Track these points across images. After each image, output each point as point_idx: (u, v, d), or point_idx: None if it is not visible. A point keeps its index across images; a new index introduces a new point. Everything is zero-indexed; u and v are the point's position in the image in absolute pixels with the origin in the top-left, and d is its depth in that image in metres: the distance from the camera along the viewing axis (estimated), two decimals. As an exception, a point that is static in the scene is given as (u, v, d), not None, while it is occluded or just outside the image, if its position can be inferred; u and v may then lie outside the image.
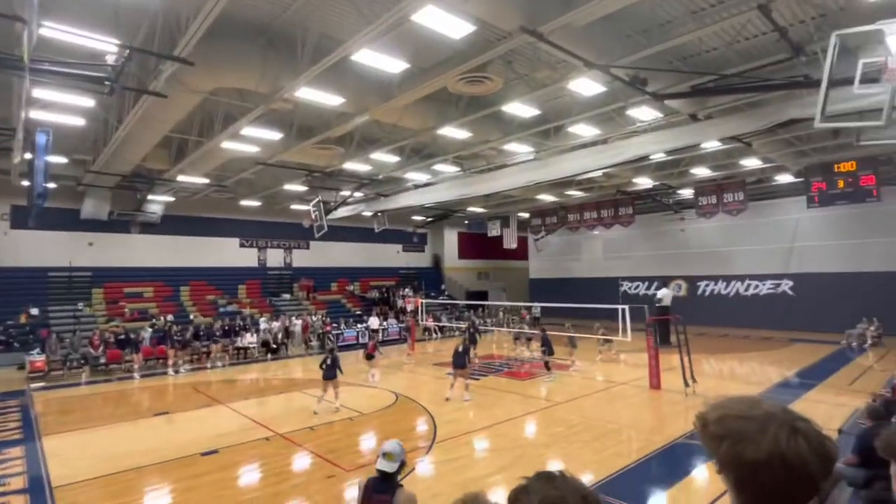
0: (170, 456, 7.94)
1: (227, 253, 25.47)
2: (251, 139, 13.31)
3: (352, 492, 6.66)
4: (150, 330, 17.47)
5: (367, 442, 8.89)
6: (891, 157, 16.53)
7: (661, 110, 12.12)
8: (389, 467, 3.54)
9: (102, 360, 15.87)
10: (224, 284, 24.35)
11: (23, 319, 18.19)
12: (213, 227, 24.78)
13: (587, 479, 6.82)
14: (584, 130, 13.54)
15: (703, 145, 14.18)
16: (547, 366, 13.33)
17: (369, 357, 14.13)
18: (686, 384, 11.24)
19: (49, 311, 19.02)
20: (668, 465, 7.39)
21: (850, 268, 20.99)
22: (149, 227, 22.53)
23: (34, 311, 18.61)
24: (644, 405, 10.91)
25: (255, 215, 25.62)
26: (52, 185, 15.90)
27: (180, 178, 17.18)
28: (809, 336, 19.93)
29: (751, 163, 17.57)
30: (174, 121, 11.79)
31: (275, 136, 13.25)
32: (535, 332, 17.54)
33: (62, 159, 15.56)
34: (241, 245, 26.15)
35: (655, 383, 11.90)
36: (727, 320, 23.85)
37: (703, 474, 6.80)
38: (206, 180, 18.41)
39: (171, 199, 21.33)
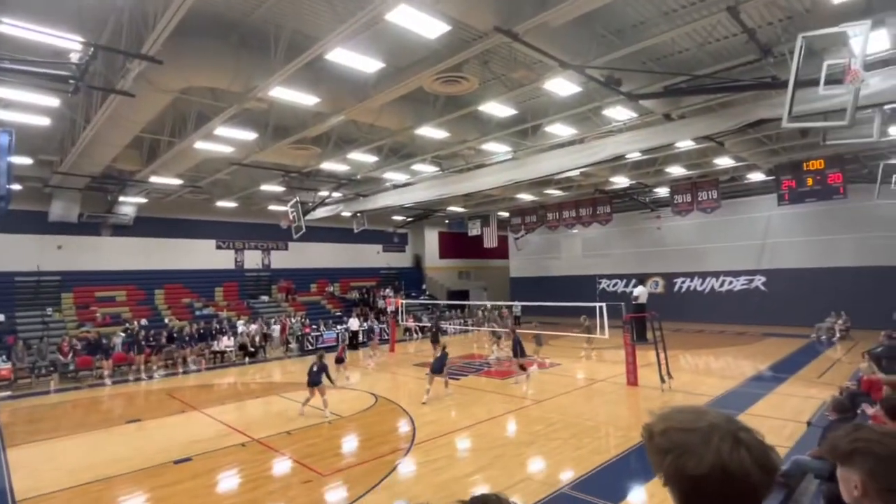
0: (141, 465, 7.74)
1: (203, 255, 24.95)
2: (225, 139, 13.06)
3: (329, 497, 6.60)
4: (122, 335, 17.03)
5: (346, 445, 8.81)
6: (857, 155, 17.05)
7: (635, 110, 12.27)
8: None
9: (72, 367, 15.41)
10: (200, 287, 23.85)
11: (-12, 326, 17.55)
12: (188, 229, 24.25)
13: (566, 476, 6.88)
14: (561, 130, 13.63)
15: (677, 144, 14.40)
16: (522, 367, 13.11)
17: (339, 360, 14.01)
18: (662, 380, 11.42)
19: (16, 317, 18.38)
20: (646, 460, 7.46)
21: (820, 263, 21.61)
22: (121, 230, 21.94)
23: (0, 318, 17.96)
24: (621, 402, 11.05)
25: (232, 216, 25.15)
26: (16, 187, 15.41)
27: (153, 179, 16.75)
28: (781, 330, 20.46)
29: (724, 161, 17.93)
30: (144, 121, 11.48)
31: (249, 136, 13.02)
32: (506, 330, 17.66)
33: (27, 160, 15.03)
34: (218, 247, 25.65)
35: (633, 380, 12.06)
36: (703, 316, 24.33)
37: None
38: (180, 181, 17.99)
39: (144, 200, 20.80)
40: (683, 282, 26.36)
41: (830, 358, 15.06)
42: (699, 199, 19.93)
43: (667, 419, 1.10)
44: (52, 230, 20.13)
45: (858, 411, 6.04)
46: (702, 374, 13.79)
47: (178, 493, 6.69)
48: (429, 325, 23.83)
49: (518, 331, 14.71)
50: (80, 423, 10.82)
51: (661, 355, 11.51)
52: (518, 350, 12.97)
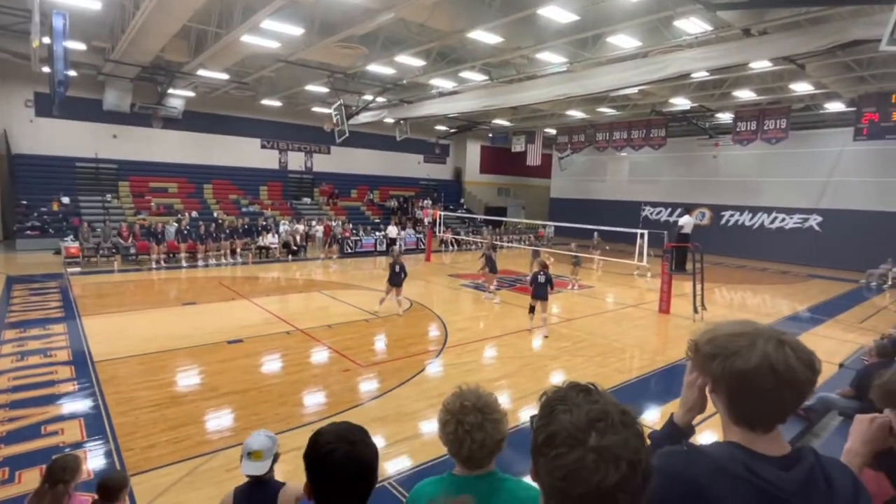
0: (199, 342, 8.55)
1: (249, 153, 25.45)
2: (271, 33, 12.71)
3: (364, 386, 7.16)
4: (175, 224, 18.03)
5: (382, 343, 9.39)
6: (957, 89, 15.20)
7: (711, 22, 11.12)
8: (259, 469, 2.58)
9: (132, 251, 16.60)
10: (246, 184, 24.62)
11: (55, 207, 18.87)
12: (234, 126, 24.57)
13: (587, 390, 7.19)
14: (624, 42, 12.59)
15: (752, 65, 13.16)
16: (531, 309, 10.49)
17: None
18: (695, 311, 11.42)
19: (79, 200, 19.63)
20: (667, 383, 7.72)
21: (886, 207, 20.22)
22: (171, 123, 22.42)
23: (65, 200, 19.23)
24: (651, 327, 11.19)
25: (276, 116, 25.21)
26: (72, 73, 15.69)
27: (200, 72, 16.75)
28: (830, 273, 19.76)
29: (801, 87, 16.37)
30: (192, 9, 11.25)
31: (296, 31, 12.61)
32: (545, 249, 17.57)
33: (81, 45, 15.15)
34: (263, 146, 26.02)
35: (665, 308, 12.11)
36: (747, 252, 23.64)
37: (699, 394, 7.10)
38: (226, 76, 17.92)
39: (192, 94, 20.97)
40: (732, 215, 25.32)
41: (876, 305, 14.60)
42: (765, 127, 18.51)
43: (712, 331, 1.16)
44: (107, 119, 20.75)
45: (898, 357, 5.94)
46: (736, 309, 13.68)
47: (232, 368, 7.42)
48: (464, 237, 24.10)
49: (551, 251, 14.56)
50: (142, 301, 11.88)
51: (698, 287, 11.41)
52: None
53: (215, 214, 21.43)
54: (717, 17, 10.54)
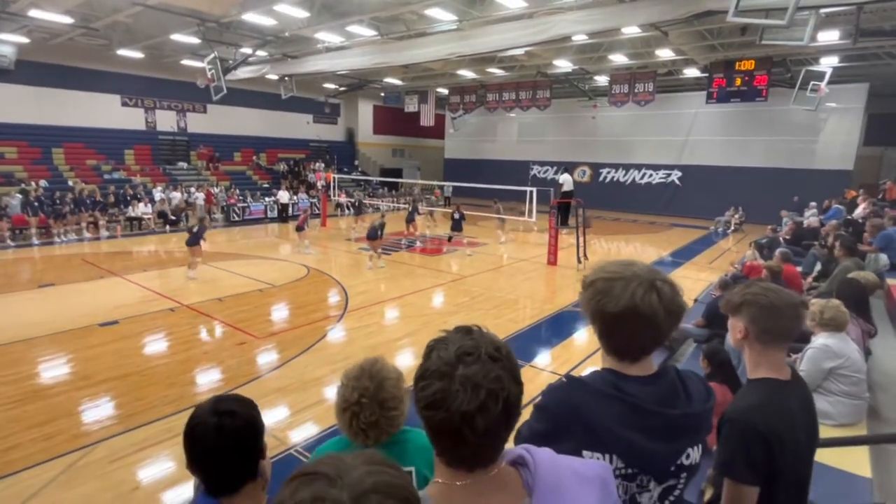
0: (63, 327, 7.60)
1: (107, 112, 22.23)
2: (123, -29, 11.04)
3: (263, 358, 6.92)
4: (19, 196, 15.49)
5: (279, 312, 9.07)
6: (785, 59, 17.65)
7: (589, -13, 11.68)
8: None
9: (-37, 228, 14.06)
10: (107, 148, 21.64)
11: None
12: (86, 80, 21.21)
13: (485, 341, 7.61)
14: (510, 2, 12.78)
15: (624, 30, 14.09)
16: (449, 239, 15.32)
17: (299, 229, 14.16)
18: (579, 261, 12.45)
19: None
20: (555, 328, 8.42)
21: (731, 162, 23.30)
22: (0, 74, 18.81)
23: None
24: (540, 279, 12.02)
25: (139, 69, 22.20)
26: None
27: (33, 13, 14.11)
28: (687, 222, 22.50)
29: (664, 53, 17.93)
30: (14, -66, 9.34)
31: (154, -31, 11.08)
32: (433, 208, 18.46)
33: None
34: (124, 104, 22.86)
35: (553, 260, 13.04)
36: (621, 205, 26.00)
37: (582, 336, 7.88)
38: (70, 19, 15.29)
39: (26, 40, 17.67)
40: (609, 172, 27.55)
41: (722, 248, 16.97)
42: (636, 90, 20.11)
43: (598, 271, 1.29)
44: None
45: (737, 290, 7.01)
46: (613, 257, 14.93)
47: (106, 353, 6.72)
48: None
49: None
50: (-17, 286, 10.19)
51: (581, 239, 12.41)
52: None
53: (70, 183, 18.71)
54: (594, -18, 11.08)
